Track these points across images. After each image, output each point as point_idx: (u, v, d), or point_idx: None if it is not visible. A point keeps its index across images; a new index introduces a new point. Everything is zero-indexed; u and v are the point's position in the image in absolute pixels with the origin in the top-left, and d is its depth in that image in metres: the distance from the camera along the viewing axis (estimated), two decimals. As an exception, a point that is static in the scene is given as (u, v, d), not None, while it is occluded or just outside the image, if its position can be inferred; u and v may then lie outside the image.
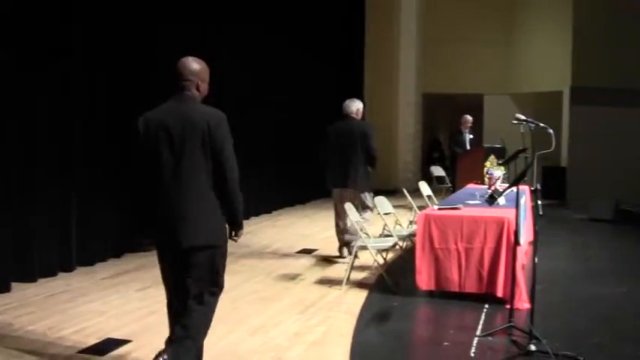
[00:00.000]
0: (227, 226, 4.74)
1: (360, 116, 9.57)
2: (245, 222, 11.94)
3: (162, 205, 4.54)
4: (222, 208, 4.60)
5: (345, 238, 9.39)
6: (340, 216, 9.37)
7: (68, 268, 8.44)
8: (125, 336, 5.92)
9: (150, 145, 4.52)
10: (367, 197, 9.39)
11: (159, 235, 4.63)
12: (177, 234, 4.49)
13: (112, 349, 5.59)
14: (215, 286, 4.77)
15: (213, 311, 4.74)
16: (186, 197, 4.49)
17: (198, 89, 4.64)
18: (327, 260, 9.48)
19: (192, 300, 4.55)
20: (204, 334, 4.66)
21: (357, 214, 8.48)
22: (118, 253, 9.42)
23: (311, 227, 12.46)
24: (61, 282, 7.94)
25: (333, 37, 17.87)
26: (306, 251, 10.11)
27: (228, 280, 7.90)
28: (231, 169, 4.54)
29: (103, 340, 5.79)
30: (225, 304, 7.00)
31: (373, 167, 9.42)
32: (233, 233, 4.88)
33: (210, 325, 4.69)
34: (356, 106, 9.52)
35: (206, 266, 4.60)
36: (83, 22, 8.60)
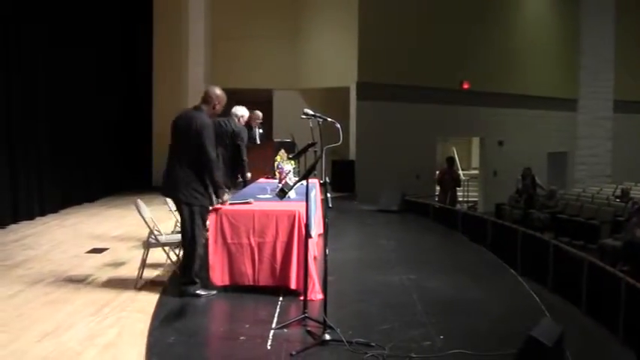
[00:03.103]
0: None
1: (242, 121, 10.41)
2: (30, 222, 11.56)
3: (169, 171, 7.29)
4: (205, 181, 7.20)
5: None
6: None
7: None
8: None
9: (172, 134, 7.33)
10: None
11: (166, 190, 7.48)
12: (176, 191, 7.20)
13: None
14: (194, 227, 7.17)
15: (197, 242, 7.20)
16: (180, 169, 7.14)
17: (214, 107, 7.39)
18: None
19: (183, 233, 7.28)
20: (193, 257, 7.20)
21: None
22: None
23: (101, 226, 12.11)
24: None
25: (121, 36, 17.46)
26: (97, 250, 9.82)
27: (12, 285, 7.59)
28: (208, 156, 7.10)
29: None
30: (8, 311, 6.69)
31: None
32: (218, 199, 7.45)
33: (195, 249, 7.20)
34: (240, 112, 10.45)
35: (187, 215, 7.17)
36: None
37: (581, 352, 6.39)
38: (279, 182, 8.97)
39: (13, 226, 11.70)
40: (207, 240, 7.40)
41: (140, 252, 8.29)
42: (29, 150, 12.47)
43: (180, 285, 7.33)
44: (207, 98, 7.38)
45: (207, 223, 7.40)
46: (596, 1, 27.15)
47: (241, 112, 10.34)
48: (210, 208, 7.43)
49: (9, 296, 7.25)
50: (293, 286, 7.20)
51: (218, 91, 7.43)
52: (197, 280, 7.28)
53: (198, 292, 7.25)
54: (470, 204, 24.70)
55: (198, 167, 7.13)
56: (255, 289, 7.33)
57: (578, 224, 17.10)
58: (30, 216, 12.49)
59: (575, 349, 5.85)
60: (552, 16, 26.73)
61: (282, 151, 9.97)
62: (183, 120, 7.27)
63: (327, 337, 5.73)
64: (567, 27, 26.92)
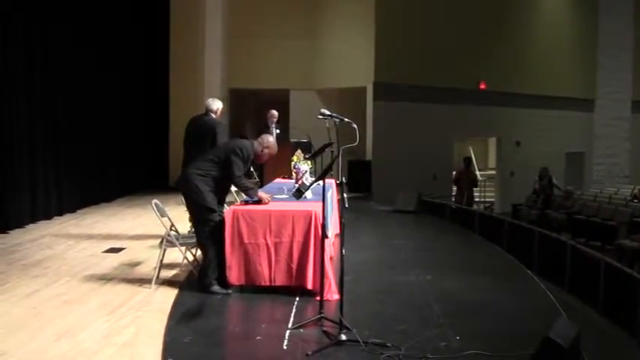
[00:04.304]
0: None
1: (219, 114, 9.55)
2: (48, 222, 11.60)
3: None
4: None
5: None
6: None
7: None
8: None
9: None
10: None
11: None
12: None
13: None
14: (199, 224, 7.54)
15: (202, 238, 7.48)
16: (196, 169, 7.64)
17: (262, 150, 7.68)
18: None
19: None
20: (205, 252, 7.51)
21: None
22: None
23: (118, 226, 12.16)
24: None
25: (138, 37, 17.52)
26: (114, 250, 9.84)
27: (29, 284, 7.63)
28: (233, 171, 7.42)
29: None
30: (25, 310, 6.72)
31: None
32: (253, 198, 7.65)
33: (206, 245, 7.44)
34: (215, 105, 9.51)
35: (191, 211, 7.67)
36: None
37: (598, 353, 6.37)
38: (296, 182, 8.97)
39: (31, 226, 11.75)
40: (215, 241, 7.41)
41: (157, 252, 8.31)
42: (47, 150, 12.53)
43: (198, 282, 7.52)
44: (260, 140, 7.79)
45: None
46: (614, 1, 27.01)
47: (216, 105, 9.46)
48: (236, 206, 7.49)
49: (26, 295, 7.28)
50: (309, 286, 7.19)
51: (272, 139, 7.84)
52: (213, 279, 7.41)
53: (214, 289, 7.34)
54: (487, 204, 24.64)
55: (214, 172, 7.45)
56: (271, 289, 7.34)
57: (596, 225, 17.02)
58: (48, 216, 12.54)
59: (591, 350, 5.83)
60: (570, 16, 26.61)
61: (299, 151, 9.98)
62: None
63: (343, 337, 5.73)
64: (585, 27, 26.80)
